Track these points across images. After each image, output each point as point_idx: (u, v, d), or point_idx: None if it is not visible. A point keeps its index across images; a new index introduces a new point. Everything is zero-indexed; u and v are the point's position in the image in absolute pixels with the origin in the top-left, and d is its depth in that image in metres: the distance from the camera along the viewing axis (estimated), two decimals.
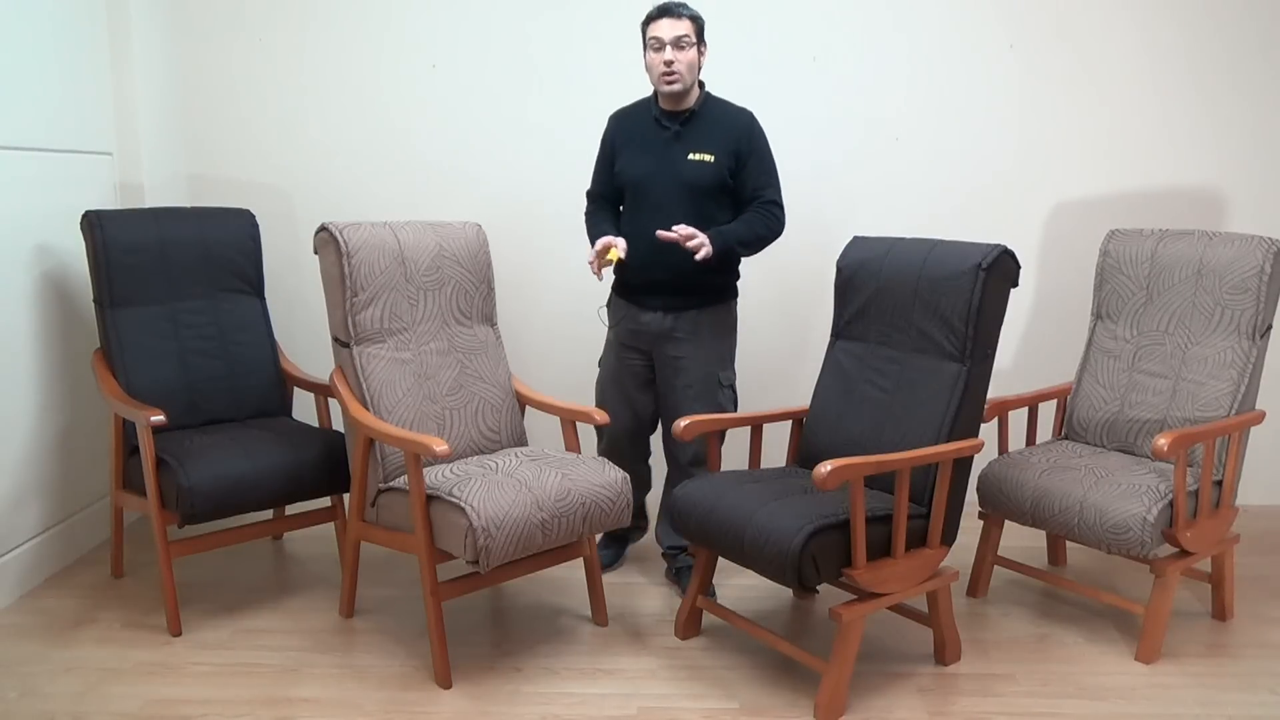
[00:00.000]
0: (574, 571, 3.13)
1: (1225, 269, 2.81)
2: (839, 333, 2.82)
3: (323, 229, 2.73)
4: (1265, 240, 2.77)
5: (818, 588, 2.97)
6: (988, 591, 3.02)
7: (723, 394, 2.94)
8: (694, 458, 2.94)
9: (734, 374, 2.99)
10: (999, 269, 2.45)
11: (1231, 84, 3.55)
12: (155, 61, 3.58)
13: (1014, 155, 3.62)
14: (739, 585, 3.02)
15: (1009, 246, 2.49)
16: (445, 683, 2.47)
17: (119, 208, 3.38)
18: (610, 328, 3.03)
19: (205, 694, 2.44)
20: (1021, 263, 2.55)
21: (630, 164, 2.87)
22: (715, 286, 2.92)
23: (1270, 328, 2.78)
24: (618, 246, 2.78)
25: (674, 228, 2.68)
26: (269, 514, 3.27)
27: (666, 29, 2.70)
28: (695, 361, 2.89)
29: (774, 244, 3.63)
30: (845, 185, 3.66)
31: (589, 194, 3.04)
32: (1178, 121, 3.58)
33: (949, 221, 3.60)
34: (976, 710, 2.38)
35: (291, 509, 3.16)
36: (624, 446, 3.01)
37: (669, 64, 2.71)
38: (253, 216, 3.27)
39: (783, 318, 3.74)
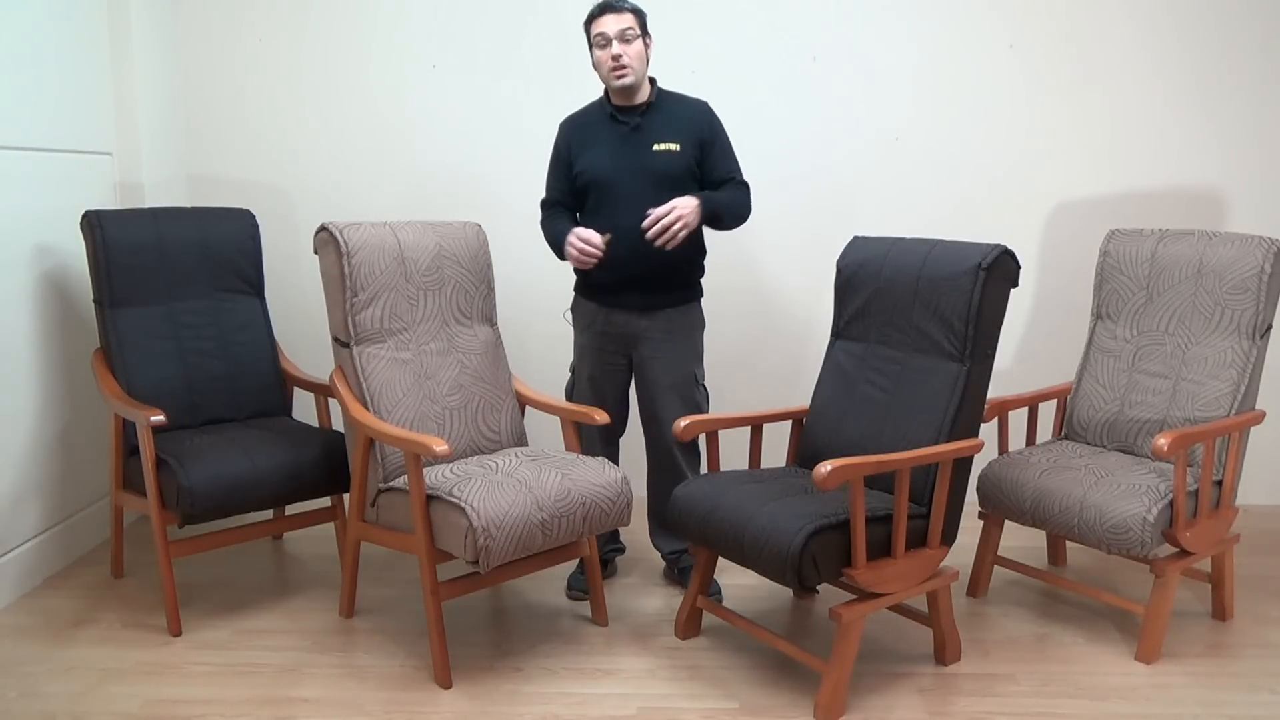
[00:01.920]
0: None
1: (1225, 269, 2.81)
2: (839, 333, 2.82)
3: (323, 229, 2.73)
4: (1265, 240, 2.77)
5: (818, 588, 2.97)
6: (988, 591, 3.02)
7: (698, 392, 2.95)
8: (685, 454, 2.94)
9: (704, 371, 2.99)
10: (999, 269, 2.45)
11: (1232, 84, 3.54)
12: (155, 61, 3.58)
13: (1014, 155, 3.62)
14: (739, 585, 3.02)
15: (1009, 246, 2.49)
16: (445, 683, 2.47)
17: (119, 208, 3.38)
18: (581, 331, 2.98)
19: (205, 694, 2.44)
20: (1021, 263, 2.54)
21: (592, 163, 2.83)
22: (687, 283, 2.92)
23: (1270, 328, 2.78)
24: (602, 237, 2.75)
25: (649, 213, 2.66)
26: (269, 514, 3.27)
27: (610, 24, 2.69)
28: (674, 361, 2.89)
29: (774, 244, 3.67)
30: (845, 185, 3.66)
31: (544, 203, 2.97)
32: (1178, 121, 3.58)
33: (949, 221, 3.59)
34: (976, 710, 2.38)
35: (291, 509, 3.16)
36: (599, 451, 2.94)
37: (617, 58, 2.70)
38: (253, 216, 3.27)
39: (783, 318, 3.74)
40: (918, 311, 2.58)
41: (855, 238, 2.84)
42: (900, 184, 3.65)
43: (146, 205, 3.51)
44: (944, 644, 2.58)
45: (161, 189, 3.62)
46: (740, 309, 3.72)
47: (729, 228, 2.88)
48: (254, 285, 3.25)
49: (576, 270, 2.94)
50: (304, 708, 2.38)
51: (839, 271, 2.81)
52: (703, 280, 2.98)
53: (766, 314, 3.73)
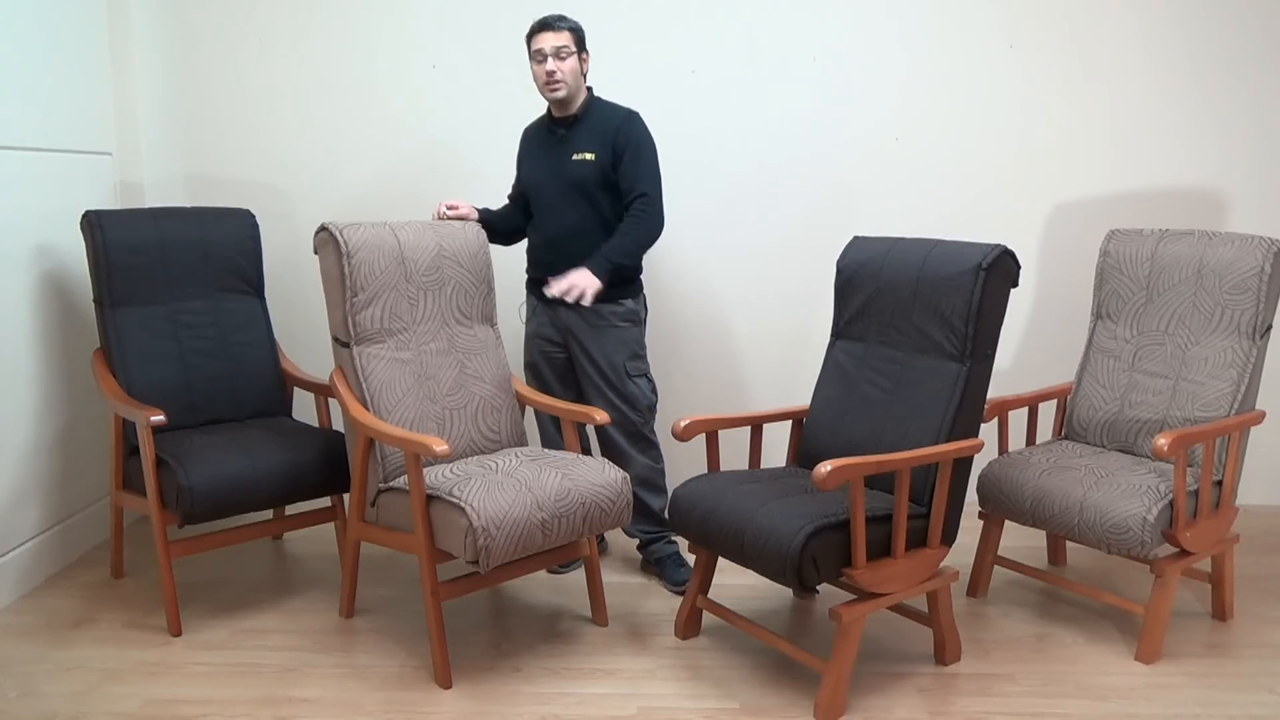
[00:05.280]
0: (574, 571, 3.14)
1: (1225, 269, 2.81)
2: (839, 333, 2.82)
3: (323, 229, 2.73)
4: (1265, 240, 2.77)
5: (818, 588, 2.97)
6: (988, 591, 3.02)
7: (634, 384, 3.00)
8: (627, 438, 3.01)
9: (646, 364, 3.06)
10: (999, 269, 2.46)
11: (1232, 83, 3.55)
12: (155, 61, 3.59)
13: (1014, 155, 3.62)
14: (739, 585, 3.03)
15: (1009, 246, 2.49)
16: (445, 683, 2.48)
17: (119, 208, 3.38)
18: (525, 322, 3.16)
19: (205, 694, 2.44)
20: (1021, 263, 2.55)
21: (528, 171, 3.08)
22: (615, 280, 2.96)
23: (1270, 328, 2.78)
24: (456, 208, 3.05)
25: (549, 288, 2.84)
26: (269, 514, 3.28)
27: (548, 41, 2.86)
28: (601, 353, 2.98)
29: (773, 244, 3.67)
30: (845, 185, 3.66)
31: (508, 198, 3.23)
32: (1178, 121, 3.58)
33: (949, 221, 3.60)
34: (976, 710, 2.38)
35: (291, 509, 3.16)
36: (554, 438, 3.11)
37: (550, 74, 2.86)
38: (253, 216, 3.27)
39: (783, 318, 3.74)
40: (918, 311, 2.58)
41: (855, 238, 2.84)
42: (900, 184, 3.65)
43: (146, 205, 3.51)
44: (944, 644, 2.58)
45: (161, 189, 3.62)
46: (740, 308, 3.72)
47: (640, 258, 2.98)
48: (254, 285, 3.25)
49: (528, 270, 3.13)
50: (304, 708, 2.38)
51: (839, 271, 2.81)
52: (641, 276, 3.07)
53: (766, 314, 3.73)
